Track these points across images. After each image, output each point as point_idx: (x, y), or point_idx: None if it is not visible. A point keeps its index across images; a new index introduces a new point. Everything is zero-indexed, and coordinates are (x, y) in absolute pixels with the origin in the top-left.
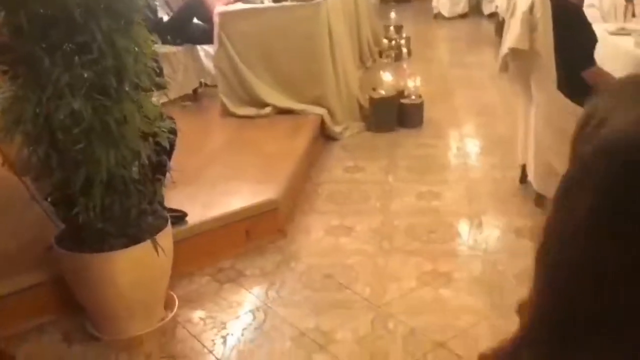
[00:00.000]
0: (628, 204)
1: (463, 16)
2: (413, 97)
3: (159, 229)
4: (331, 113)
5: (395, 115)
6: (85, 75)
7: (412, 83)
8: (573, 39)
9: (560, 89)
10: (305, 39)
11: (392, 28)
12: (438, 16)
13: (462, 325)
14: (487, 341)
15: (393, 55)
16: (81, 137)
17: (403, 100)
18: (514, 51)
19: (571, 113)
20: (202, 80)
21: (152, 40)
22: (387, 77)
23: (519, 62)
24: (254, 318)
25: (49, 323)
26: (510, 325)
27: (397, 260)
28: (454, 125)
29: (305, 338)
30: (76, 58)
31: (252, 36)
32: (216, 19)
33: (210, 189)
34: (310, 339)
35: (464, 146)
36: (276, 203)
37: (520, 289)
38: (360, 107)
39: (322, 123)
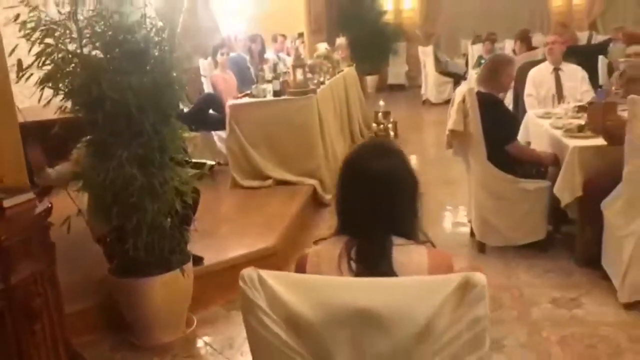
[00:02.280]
0: None
1: (448, 102)
2: None
3: (184, 262)
4: (322, 183)
5: None
6: (139, 152)
7: None
8: (495, 122)
9: (490, 160)
10: (300, 125)
11: (380, 114)
12: (426, 102)
13: None
14: None
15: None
16: (135, 194)
17: None
18: (453, 132)
19: (499, 178)
20: (217, 160)
21: (183, 129)
22: None
23: (458, 140)
24: None
25: (99, 337)
26: None
27: None
28: (425, 192)
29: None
30: (132, 141)
31: (257, 123)
32: (228, 110)
33: (223, 240)
34: None
35: (431, 208)
36: (274, 249)
37: None
38: None
39: (314, 192)
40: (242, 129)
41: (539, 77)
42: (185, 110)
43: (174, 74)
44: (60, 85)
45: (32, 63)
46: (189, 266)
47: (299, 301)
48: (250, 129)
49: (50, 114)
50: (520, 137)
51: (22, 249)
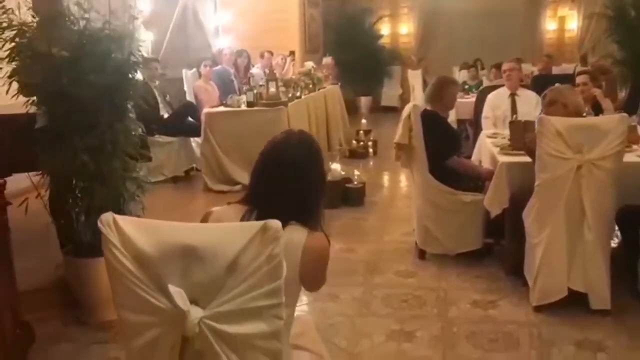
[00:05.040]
0: None
1: None
2: (356, 182)
3: None
4: None
5: (340, 195)
6: (93, 142)
7: (357, 172)
8: (437, 137)
9: (432, 172)
10: (269, 134)
11: (361, 132)
12: None
13: None
14: None
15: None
16: (86, 180)
17: (348, 185)
18: (398, 145)
19: (438, 190)
20: (195, 165)
21: (136, 127)
22: (335, 166)
23: (404, 153)
24: None
25: (53, 314)
26: None
27: None
28: (387, 205)
29: None
30: (88, 133)
31: (230, 131)
32: (203, 118)
33: None
34: None
35: (387, 219)
36: None
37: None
38: None
39: None
40: (216, 136)
41: (496, 101)
42: (166, 116)
43: (130, 76)
44: (25, 79)
45: (4, 58)
46: None
47: (144, 240)
48: (223, 136)
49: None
50: (474, 156)
51: None
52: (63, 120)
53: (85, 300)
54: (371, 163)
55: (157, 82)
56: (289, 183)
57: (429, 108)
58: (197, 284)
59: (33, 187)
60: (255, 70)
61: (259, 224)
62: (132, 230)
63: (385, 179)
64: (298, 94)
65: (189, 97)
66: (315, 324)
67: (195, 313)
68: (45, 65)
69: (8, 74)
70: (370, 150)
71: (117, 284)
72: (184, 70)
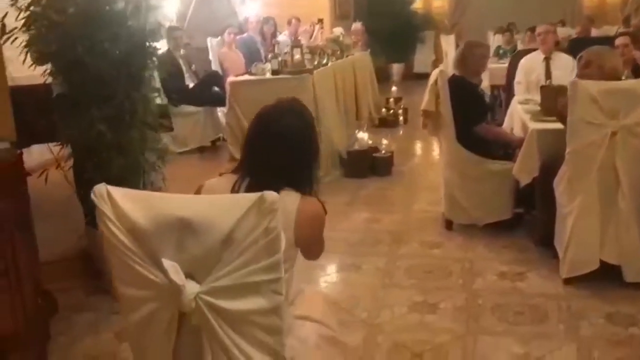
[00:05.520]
0: None
1: None
2: (383, 151)
3: None
4: None
5: (367, 165)
6: (110, 112)
7: (385, 141)
8: (464, 104)
9: (459, 140)
10: None
11: (391, 100)
12: None
13: None
14: None
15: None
16: (103, 149)
17: (375, 154)
18: (425, 112)
19: (466, 158)
20: (221, 135)
21: (154, 97)
22: (362, 135)
23: (431, 121)
24: None
25: (76, 285)
26: None
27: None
28: (415, 174)
29: None
30: (105, 103)
31: (254, 100)
32: (228, 87)
33: None
34: None
35: (415, 189)
36: None
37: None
38: (341, 158)
39: None
40: (240, 106)
41: (530, 65)
42: (191, 86)
43: (147, 45)
44: (40, 48)
45: (20, 28)
46: None
47: (138, 213)
48: (247, 105)
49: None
50: (506, 123)
51: None
52: (79, 90)
53: (107, 270)
54: (401, 132)
55: (181, 52)
56: (279, 150)
57: (457, 73)
58: (193, 258)
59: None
60: (282, 37)
61: (255, 196)
62: (126, 203)
63: (415, 147)
64: (325, 61)
65: (215, 67)
66: (336, 294)
67: (192, 288)
68: (59, 34)
69: (24, 43)
70: (401, 118)
71: (113, 257)
72: (209, 39)
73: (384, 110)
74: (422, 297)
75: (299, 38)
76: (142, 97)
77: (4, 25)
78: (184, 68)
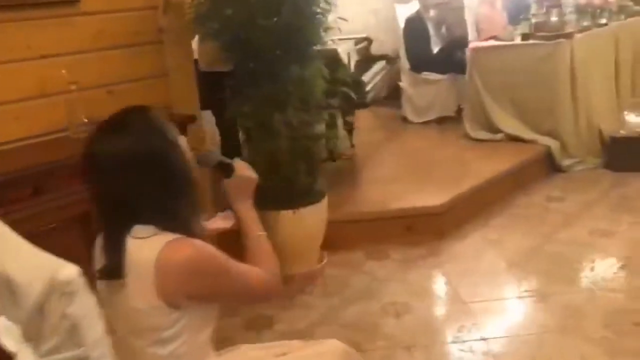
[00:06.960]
0: None
1: None
2: None
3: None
4: (563, 146)
5: (635, 156)
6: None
7: None
8: None
9: None
10: (544, 75)
11: None
12: None
13: None
14: None
15: None
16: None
17: None
18: None
19: None
20: (461, 105)
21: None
22: (631, 117)
23: None
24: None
25: None
26: None
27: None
28: None
29: None
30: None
31: (497, 69)
32: (468, 54)
33: (395, 187)
34: None
35: None
36: (441, 208)
37: None
38: (603, 144)
39: (549, 154)
40: (481, 75)
41: None
42: (435, 51)
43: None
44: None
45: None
46: (322, 204)
47: None
48: (488, 75)
49: None
50: None
51: None
52: (242, 68)
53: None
54: None
55: (431, 13)
56: (109, 184)
57: None
58: (26, 320)
59: None
60: None
61: (54, 266)
62: None
63: None
64: (603, 21)
65: (470, 28)
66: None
67: (25, 357)
68: (220, 10)
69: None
70: None
71: None
72: None
73: None
74: None
75: None
76: (309, 75)
77: None
78: (431, 32)
